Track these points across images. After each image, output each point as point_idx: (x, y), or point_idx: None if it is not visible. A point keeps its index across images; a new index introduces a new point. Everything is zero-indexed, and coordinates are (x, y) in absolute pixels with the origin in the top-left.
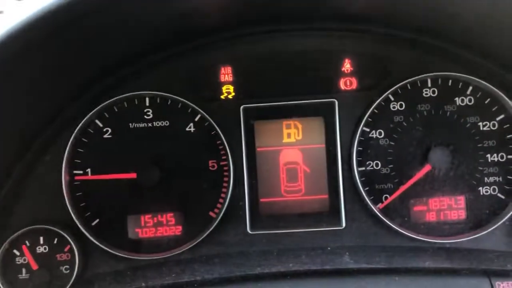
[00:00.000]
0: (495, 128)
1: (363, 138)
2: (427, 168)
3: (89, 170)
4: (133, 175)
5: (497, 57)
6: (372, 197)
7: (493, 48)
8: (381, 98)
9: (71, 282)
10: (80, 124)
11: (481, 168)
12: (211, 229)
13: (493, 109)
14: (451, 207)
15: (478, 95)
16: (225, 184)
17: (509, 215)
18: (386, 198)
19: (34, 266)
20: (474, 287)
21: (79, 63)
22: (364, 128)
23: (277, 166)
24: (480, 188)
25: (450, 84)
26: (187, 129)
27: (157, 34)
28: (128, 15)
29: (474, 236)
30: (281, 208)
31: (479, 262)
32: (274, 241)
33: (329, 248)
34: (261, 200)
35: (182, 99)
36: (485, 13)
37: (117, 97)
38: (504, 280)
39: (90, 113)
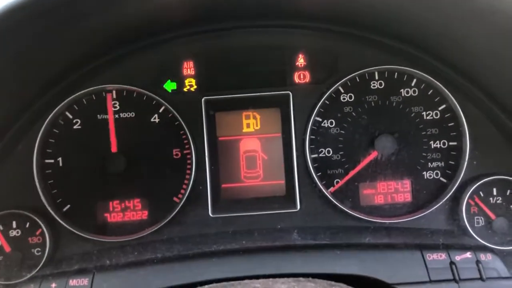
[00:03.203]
0: (437, 117)
1: (315, 127)
2: (373, 154)
3: (60, 159)
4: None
5: (439, 54)
6: (324, 182)
7: (435, 45)
8: (331, 90)
9: (42, 263)
10: (51, 116)
11: (424, 154)
12: (174, 213)
13: (435, 99)
14: (398, 190)
15: (421, 87)
16: (188, 171)
17: (447, 196)
18: (337, 182)
19: (7, 249)
20: (407, 258)
21: (49, 57)
22: (317, 118)
23: (237, 154)
24: (424, 173)
25: (396, 76)
26: (152, 120)
27: (123, 30)
28: (93, 12)
29: (416, 216)
30: (241, 193)
31: (414, 238)
32: (232, 223)
33: (279, 227)
34: (223, 186)
35: (147, 92)
36: (428, 15)
37: (86, 90)
38: (434, 252)
39: (60, 105)
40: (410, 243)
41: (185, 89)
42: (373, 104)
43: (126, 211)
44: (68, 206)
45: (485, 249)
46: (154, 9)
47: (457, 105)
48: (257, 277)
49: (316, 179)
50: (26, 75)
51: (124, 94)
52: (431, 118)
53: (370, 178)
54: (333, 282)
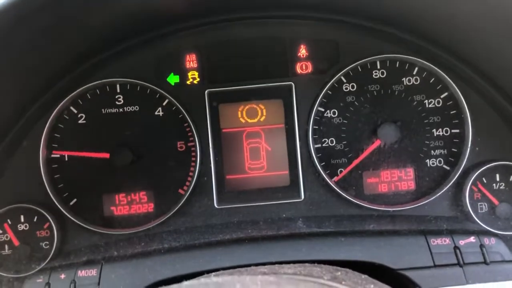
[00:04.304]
0: (440, 105)
1: (318, 118)
2: (377, 143)
3: (65, 153)
4: (106, 155)
5: (440, 41)
6: (328, 171)
7: (436, 33)
8: (333, 80)
9: (50, 256)
10: (56, 111)
11: (427, 142)
12: (180, 204)
13: (437, 87)
14: (401, 178)
15: (423, 75)
16: (192, 163)
17: (451, 183)
18: (341, 171)
19: (16, 243)
20: (411, 244)
21: (53, 53)
22: (319, 108)
23: (241, 146)
24: (427, 160)
25: (397, 65)
26: (156, 113)
27: (125, 24)
28: (96, 6)
29: (420, 204)
30: (245, 184)
31: (418, 224)
32: (237, 214)
33: (284, 215)
34: (227, 177)
35: (150, 85)
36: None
37: (90, 84)
38: (438, 238)
39: (65, 100)
40: (414, 229)
41: (188, 82)
42: (375, 93)
43: (132, 203)
44: (75, 200)
45: (488, 233)
46: (156, 2)
47: (459, 92)
48: (263, 264)
49: (319, 168)
50: (31, 71)
51: (128, 88)
52: (433, 106)
53: (373, 166)
54: (338, 268)
